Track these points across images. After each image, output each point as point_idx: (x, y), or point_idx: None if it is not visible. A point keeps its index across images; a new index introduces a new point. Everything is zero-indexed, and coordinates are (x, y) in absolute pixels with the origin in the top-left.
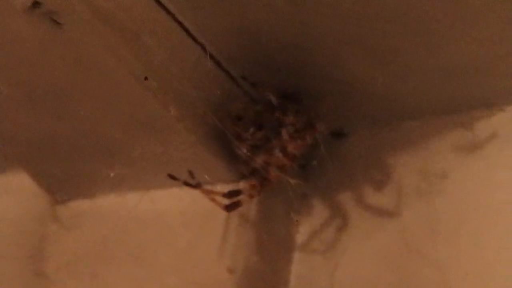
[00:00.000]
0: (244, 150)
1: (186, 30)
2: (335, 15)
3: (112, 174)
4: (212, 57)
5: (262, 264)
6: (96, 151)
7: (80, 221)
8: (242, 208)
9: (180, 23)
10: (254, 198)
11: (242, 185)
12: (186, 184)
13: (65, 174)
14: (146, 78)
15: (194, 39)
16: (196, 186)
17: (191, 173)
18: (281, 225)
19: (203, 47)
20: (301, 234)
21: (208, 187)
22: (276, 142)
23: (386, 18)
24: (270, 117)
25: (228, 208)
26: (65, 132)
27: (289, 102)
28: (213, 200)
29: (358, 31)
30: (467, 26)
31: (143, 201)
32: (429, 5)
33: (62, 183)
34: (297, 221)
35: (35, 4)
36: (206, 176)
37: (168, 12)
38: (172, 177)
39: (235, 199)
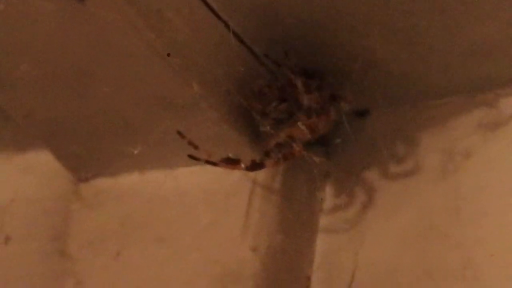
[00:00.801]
0: (268, 127)
1: (210, 7)
2: None
3: (135, 152)
4: (235, 34)
5: (285, 243)
6: (118, 129)
7: (103, 199)
8: (265, 187)
9: (203, 0)
10: (279, 165)
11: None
12: (208, 162)
13: (88, 152)
14: (168, 55)
15: (217, 16)
16: (218, 163)
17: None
18: (304, 203)
19: (226, 25)
20: (325, 213)
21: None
22: (299, 116)
23: None
24: (293, 92)
25: (251, 168)
26: (88, 110)
27: (311, 78)
28: (234, 168)
29: (382, 11)
30: (491, 5)
31: (166, 179)
32: None
33: (85, 161)
34: (321, 199)
35: None
36: (230, 154)
37: None
38: (193, 157)
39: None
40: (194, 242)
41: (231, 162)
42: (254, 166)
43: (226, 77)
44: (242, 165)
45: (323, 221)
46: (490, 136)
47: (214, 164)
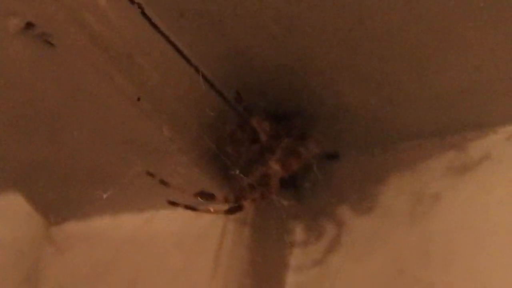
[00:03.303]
0: (237, 171)
1: (180, 52)
2: (329, 40)
3: (105, 196)
4: (205, 79)
5: (255, 286)
6: (89, 172)
7: (75, 243)
8: (235, 230)
9: (173, 45)
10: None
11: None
12: (188, 207)
13: (59, 196)
14: (139, 99)
15: (187, 61)
16: (198, 208)
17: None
18: (274, 246)
19: (196, 69)
20: (295, 256)
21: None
22: (272, 157)
23: (379, 44)
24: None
25: (229, 212)
26: (59, 154)
27: (280, 122)
28: (214, 212)
29: (351, 56)
30: (458, 51)
31: (136, 222)
32: (421, 32)
33: (56, 205)
34: (290, 243)
35: (28, 26)
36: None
37: (162, 34)
38: (172, 203)
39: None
40: (165, 285)
41: (207, 198)
42: (233, 209)
43: (197, 122)
44: (222, 209)
45: (293, 264)
46: (459, 179)
47: (193, 209)
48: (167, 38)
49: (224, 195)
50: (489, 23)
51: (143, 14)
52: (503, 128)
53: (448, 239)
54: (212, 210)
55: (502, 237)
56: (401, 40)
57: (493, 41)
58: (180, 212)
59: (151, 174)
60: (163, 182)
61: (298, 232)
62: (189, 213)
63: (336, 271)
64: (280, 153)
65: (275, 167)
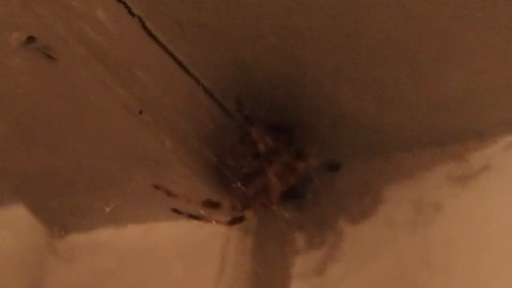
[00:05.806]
0: (239, 184)
1: (180, 64)
2: (327, 50)
3: (107, 209)
4: (205, 90)
5: None
6: (91, 184)
7: (78, 254)
8: (238, 241)
9: (173, 57)
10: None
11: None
12: (191, 216)
13: (62, 207)
14: (140, 112)
15: (187, 72)
16: (201, 217)
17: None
18: (276, 257)
19: (196, 80)
20: (297, 266)
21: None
22: (271, 170)
23: (378, 52)
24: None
25: (231, 222)
26: (61, 166)
27: (280, 135)
28: (216, 222)
29: (350, 65)
30: (458, 58)
31: (139, 233)
32: (421, 40)
33: (60, 216)
34: (292, 252)
35: (30, 39)
36: (201, 210)
37: (162, 45)
38: (176, 211)
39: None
40: None
41: (213, 207)
42: (235, 220)
43: (197, 133)
44: (224, 220)
45: (296, 273)
46: (460, 189)
47: (197, 218)
48: (167, 50)
49: (230, 203)
50: (489, 29)
51: (144, 27)
52: (503, 137)
53: (448, 248)
54: (214, 221)
55: (501, 245)
56: (400, 47)
57: (492, 49)
58: (182, 223)
59: (158, 187)
60: (170, 194)
61: (301, 242)
62: (191, 223)
63: (338, 280)
64: (278, 167)
65: (273, 179)
